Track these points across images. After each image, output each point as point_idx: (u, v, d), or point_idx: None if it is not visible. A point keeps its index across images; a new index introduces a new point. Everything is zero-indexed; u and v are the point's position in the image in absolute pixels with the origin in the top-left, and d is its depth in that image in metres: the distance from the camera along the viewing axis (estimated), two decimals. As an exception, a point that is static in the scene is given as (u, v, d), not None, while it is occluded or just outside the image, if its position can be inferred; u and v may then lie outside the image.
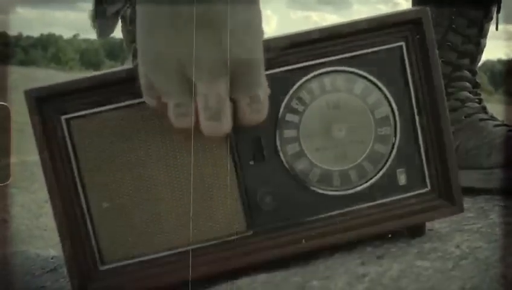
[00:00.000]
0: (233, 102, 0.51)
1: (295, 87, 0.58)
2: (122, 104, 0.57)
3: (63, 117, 0.57)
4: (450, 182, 0.60)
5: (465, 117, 0.86)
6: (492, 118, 0.87)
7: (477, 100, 0.88)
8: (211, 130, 0.51)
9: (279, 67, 0.58)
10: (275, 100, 0.57)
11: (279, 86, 0.58)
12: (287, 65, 0.58)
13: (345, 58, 0.59)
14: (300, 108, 0.58)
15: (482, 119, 0.85)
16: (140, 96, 0.53)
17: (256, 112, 0.52)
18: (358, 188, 0.60)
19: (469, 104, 0.87)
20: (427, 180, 0.61)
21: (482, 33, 0.89)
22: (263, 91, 0.52)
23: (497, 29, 0.89)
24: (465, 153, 0.83)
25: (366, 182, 0.60)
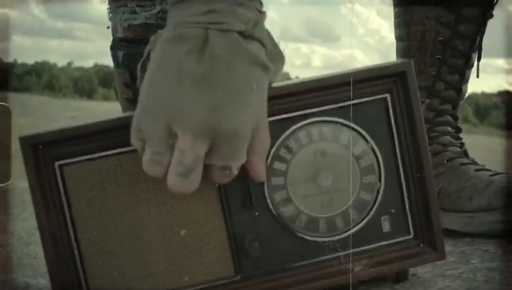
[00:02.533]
0: (205, 163, 0.51)
1: (283, 136, 0.59)
2: (115, 151, 0.57)
3: (57, 163, 0.57)
4: (433, 230, 0.61)
5: (447, 161, 0.87)
6: (474, 162, 0.88)
7: (459, 144, 0.89)
8: (176, 186, 0.51)
9: (268, 117, 0.58)
10: (263, 149, 0.58)
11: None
12: (276, 115, 0.59)
13: (332, 108, 0.59)
14: (288, 156, 0.59)
15: (463, 164, 0.86)
16: (132, 144, 0.54)
17: (224, 179, 0.53)
18: (344, 235, 0.60)
19: (451, 148, 0.88)
20: (411, 228, 0.62)
21: (463, 80, 0.90)
22: (237, 164, 0.52)
23: (478, 76, 0.91)
24: (447, 197, 0.84)
25: (352, 228, 0.60)
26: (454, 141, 0.89)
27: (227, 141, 0.50)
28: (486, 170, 0.85)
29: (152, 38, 0.54)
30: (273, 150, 0.59)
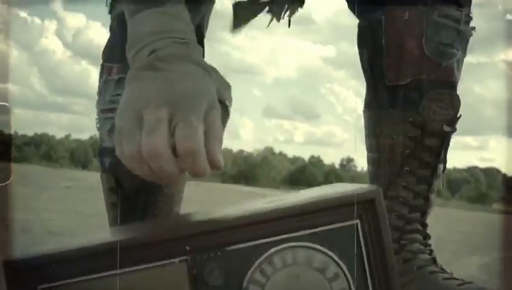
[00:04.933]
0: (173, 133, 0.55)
1: (259, 260, 0.58)
2: (97, 275, 0.56)
3: (40, 287, 0.55)
4: None
5: (416, 269, 0.86)
6: (442, 270, 0.87)
7: (428, 251, 0.89)
8: (147, 146, 0.54)
9: (244, 242, 0.57)
10: (239, 273, 0.57)
11: (243, 260, 0.58)
12: (252, 240, 0.58)
13: (305, 234, 0.59)
14: (263, 280, 0.58)
15: (432, 272, 0.85)
16: (115, 268, 0.53)
17: (188, 138, 0.55)
18: None
19: (420, 255, 0.87)
20: None
21: (431, 189, 0.91)
22: (197, 120, 0.56)
23: (442, 186, 0.92)
24: None
25: None
26: (423, 248, 0.88)
27: (182, 105, 0.56)
28: (455, 278, 0.84)
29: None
30: (249, 273, 0.57)
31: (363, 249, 0.60)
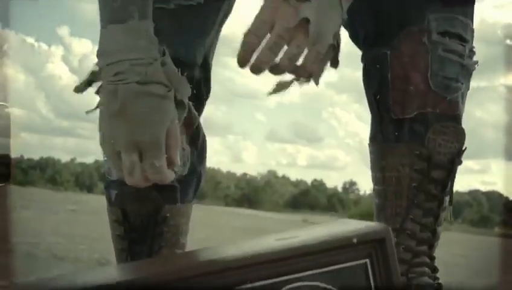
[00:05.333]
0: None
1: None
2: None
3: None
4: None
5: (425, 303, 0.85)
6: (451, 304, 0.85)
7: (436, 285, 0.87)
8: (129, 182, 0.72)
9: (254, 282, 0.57)
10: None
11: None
12: (265, 279, 0.57)
13: (316, 273, 0.58)
14: (273, 319, 0.57)
15: (440, 306, 0.84)
16: None
17: (155, 174, 0.71)
18: None
19: (429, 289, 0.86)
20: None
21: (438, 222, 0.90)
22: (159, 161, 0.70)
23: (450, 219, 0.91)
24: None
25: None
26: (431, 281, 0.87)
27: (147, 148, 0.70)
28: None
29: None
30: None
31: (372, 287, 0.59)
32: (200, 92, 0.91)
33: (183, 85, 0.75)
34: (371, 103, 0.93)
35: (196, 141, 0.91)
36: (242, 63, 0.72)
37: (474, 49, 0.90)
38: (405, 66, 0.87)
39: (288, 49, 0.70)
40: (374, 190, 0.93)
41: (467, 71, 0.89)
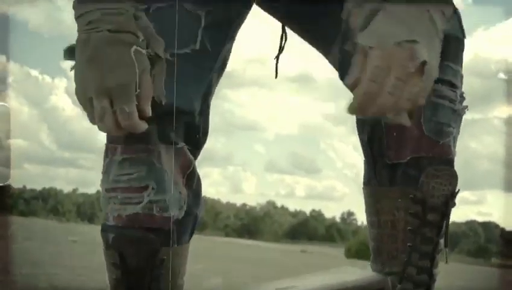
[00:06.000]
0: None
1: None
2: None
3: None
4: None
5: None
6: None
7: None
8: (101, 128, 0.75)
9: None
10: None
11: None
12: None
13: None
14: None
15: None
16: None
17: (126, 120, 0.73)
18: None
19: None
20: None
21: (434, 264, 0.88)
22: (129, 107, 0.73)
23: (446, 262, 0.90)
24: None
25: None
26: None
27: (117, 93, 0.73)
28: None
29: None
30: None
31: None
32: (198, 137, 0.91)
33: (155, 38, 0.78)
34: (365, 147, 0.93)
35: (191, 184, 0.90)
36: (362, 111, 0.70)
37: (464, 95, 0.90)
38: None
39: (408, 90, 0.69)
40: (369, 233, 0.92)
41: (458, 116, 0.89)
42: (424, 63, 0.68)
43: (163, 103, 0.79)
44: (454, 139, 0.90)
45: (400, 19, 0.69)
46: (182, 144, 0.87)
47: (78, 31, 0.76)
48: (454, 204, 0.90)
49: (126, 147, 0.83)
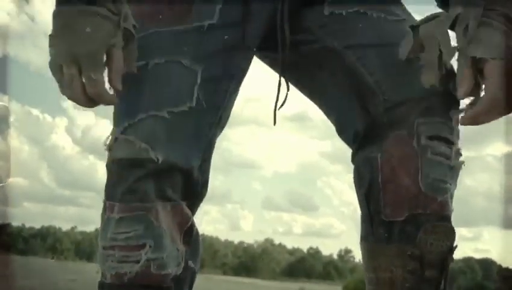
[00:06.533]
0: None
1: None
2: None
3: None
4: None
5: None
6: None
7: None
8: (69, 95, 0.77)
9: None
10: None
11: None
12: None
13: None
14: None
15: None
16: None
17: (92, 87, 0.76)
18: None
19: None
20: None
21: None
22: (96, 75, 0.75)
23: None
24: None
25: None
26: None
27: (84, 61, 0.75)
28: None
29: None
30: None
31: None
32: (196, 192, 0.89)
33: (129, 15, 0.80)
34: (362, 203, 0.91)
35: (189, 239, 0.89)
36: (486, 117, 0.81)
37: (460, 151, 0.89)
38: (395, 169, 0.86)
39: None
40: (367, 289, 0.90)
41: (455, 172, 0.89)
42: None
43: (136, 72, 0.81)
44: (451, 195, 0.89)
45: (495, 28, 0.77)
46: (179, 202, 0.86)
47: (56, 7, 0.78)
48: (452, 259, 0.88)
49: (123, 205, 0.82)
